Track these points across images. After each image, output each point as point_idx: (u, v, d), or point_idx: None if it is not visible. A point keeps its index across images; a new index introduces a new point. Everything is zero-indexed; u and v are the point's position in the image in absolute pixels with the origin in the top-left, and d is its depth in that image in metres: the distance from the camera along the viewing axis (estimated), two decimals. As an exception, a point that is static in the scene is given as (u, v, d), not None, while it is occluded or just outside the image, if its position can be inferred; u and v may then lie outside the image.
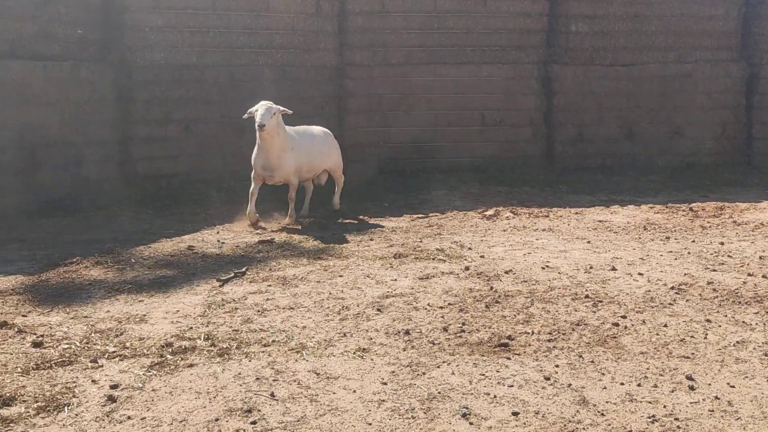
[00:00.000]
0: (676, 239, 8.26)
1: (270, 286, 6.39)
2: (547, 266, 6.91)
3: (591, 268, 6.86)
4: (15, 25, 10.21)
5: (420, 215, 10.15)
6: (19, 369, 4.62)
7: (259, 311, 5.72)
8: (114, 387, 4.38)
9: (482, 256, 7.34)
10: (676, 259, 7.25)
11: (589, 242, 8.09)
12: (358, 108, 13.56)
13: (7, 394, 4.25)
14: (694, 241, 8.14)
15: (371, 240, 8.32)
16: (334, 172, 10.50)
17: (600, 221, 9.57)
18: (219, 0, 12.33)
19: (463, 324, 5.34)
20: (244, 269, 6.87)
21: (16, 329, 5.27)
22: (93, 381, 4.48)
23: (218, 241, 8.29)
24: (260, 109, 8.93)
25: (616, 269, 6.80)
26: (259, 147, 9.24)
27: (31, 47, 10.44)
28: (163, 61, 12.09)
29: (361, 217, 9.97)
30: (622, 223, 9.42)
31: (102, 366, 4.69)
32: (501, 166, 13.61)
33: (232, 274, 6.70)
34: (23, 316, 5.62)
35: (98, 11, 11.71)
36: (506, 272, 6.69)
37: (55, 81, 10.75)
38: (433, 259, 7.26)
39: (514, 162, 13.88)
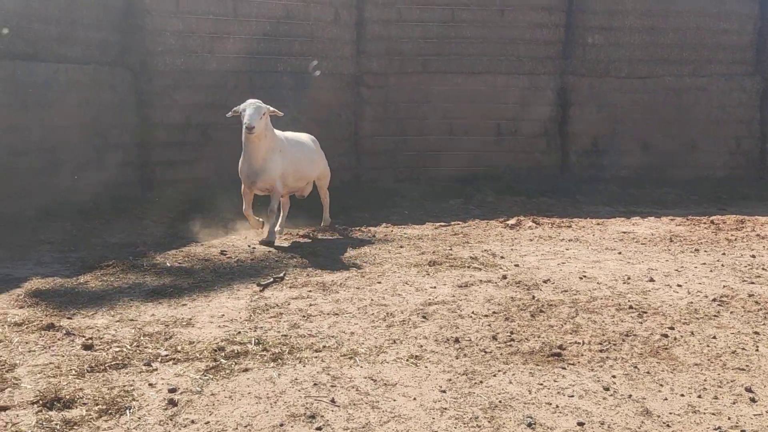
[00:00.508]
0: (705, 251, 8.27)
1: (311, 291, 6.37)
2: (585, 276, 6.91)
3: (629, 278, 6.86)
4: (39, 26, 10.19)
5: (442, 223, 10.15)
6: (73, 371, 4.59)
7: (304, 317, 5.70)
8: (173, 391, 4.36)
9: (517, 265, 7.34)
10: (711, 271, 7.25)
11: (619, 253, 8.09)
12: (374, 116, 13.59)
13: (67, 397, 4.22)
14: (724, 254, 8.14)
15: (401, 247, 8.31)
16: (320, 181, 9.72)
17: (624, 232, 9.57)
18: (240, 6, 12.32)
19: (512, 333, 5.33)
20: (282, 274, 6.86)
21: (64, 331, 5.25)
22: (150, 384, 4.45)
23: (249, 246, 8.28)
24: (248, 108, 8.21)
25: (654, 280, 6.81)
26: (244, 150, 8.59)
27: (53, 50, 10.42)
28: (183, 66, 12.08)
29: (384, 224, 9.95)
30: (646, 234, 9.42)
31: (156, 369, 4.67)
32: (515, 176, 13.64)
33: (271, 279, 6.68)
34: (68, 318, 5.59)
35: (119, 14, 11.70)
36: (544, 281, 6.68)
37: (77, 84, 10.74)
38: (468, 267, 7.26)
39: (529, 172, 13.92)
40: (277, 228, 8.97)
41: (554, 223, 10.23)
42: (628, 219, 10.69)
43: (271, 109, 8.46)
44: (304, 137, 9.63)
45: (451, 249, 8.19)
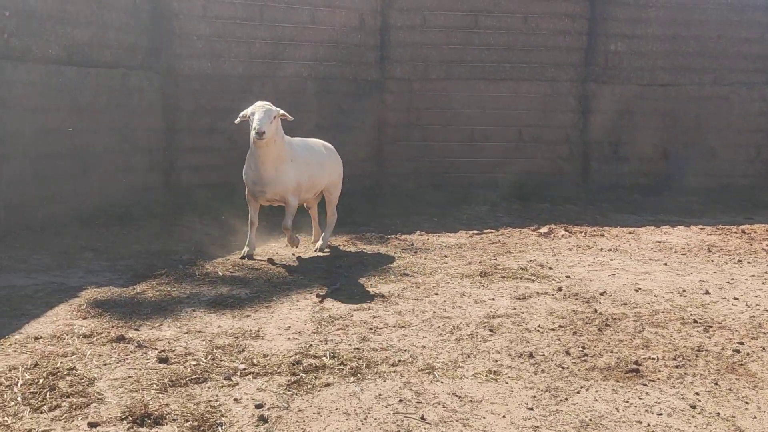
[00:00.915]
0: (749, 263, 8.28)
1: (370, 302, 6.36)
2: (640, 289, 6.91)
3: (684, 291, 6.86)
4: (72, 30, 10.12)
5: (475, 231, 10.14)
6: (155, 386, 4.56)
7: (371, 329, 5.68)
8: (259, 406, 4.33)
9: (568, 277, 7.34)
10: (763, 283, 7.26)
11: (665, 264, 8.10)
12: (397, 122, 13.58)
13: (155, 413, 4.19)
14: (769, 266, 8.17)
15: (446, 257, 8.30)
16: (329, 193, 8.85)
17: (659, 242, 9.57)
18: (267, 11, 12.29)
19: (583, 348, 5.32)
20: (337, 285, 6.83)
21: (136, 343, 5.22)
22: (235, 400, 4.42)
23: (293, 254, 8.25)
24: (257, 111, 7.47)
25: (709, 293, 6.81)
26: (251, 156, 7.85)
27: (85, 53, 10.36)
28: (210, 70, 12.05)
29: (418, 232, 9.94)
30: (681, 244, 9.43)
31: (237, 384, 4.64)
32: (537, 183, 13.64)
33: (329, 290, 6.66)
34: (135, 329, 5.56)
35: (147, 18, 11.64)
36: (601, 294, 6.68)
37: (106, 88, 10.69)
38: (520, 278, 7.25)
39: (550, 179, 13.93)
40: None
41: (586, 231, 10.22)
42: (658, 228, 10.69)
43: (281, 112, 7.71)
44: (314, 142, 8.87)
45: (496, 259, 8.18)
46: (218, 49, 12.08)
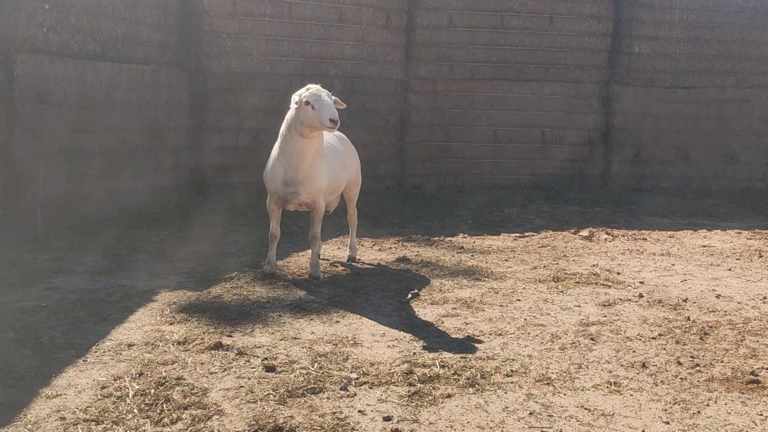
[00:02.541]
0: (809, 268, 8.22)
1: (455, 309, 6.20)
2: (720, 296, 6.80)
3: (765, 298, 6.77)
4: (107, 25, 9.89)
5: (517, 234, 10.02)
6: (271, 396, 4.38)
7: (467, 336, 5.54)
8: (387, 419, 4.17)
9: (642, 283, 7.22)
10: (838, 290, 7.21)
11: (729, 270, 8.00)
12: (420, 122, 13.45)
13: (285, 426, 4.01)
14: (828, 270, 8.11)
15: (506, 261, 8.17)
16: (348, 191, 7.91)
17: (704, 246, 9.49)
18: (295, 8, 12.10)
19: (692, 357, 5.20)
20: (416, 290, 6.67)
21: (236, 351, 5.03)
22: (360, 411, 4.26)
23: (349, 256, 8.07)
24: (322, 96, 6.50)
25: (790, 300, 6.73)
26: (282, 153, 6.81)
27: (119, 49, 10.12)
28: (238, 68, 11.85)
29: (461, 234, 9.80)
30: (727, 248, 9.35)
31: (356, 394, 4.47)
32: (560, 185, 13.55)
33: (410, 296, 6.50)
34: (228, 336, 5.37)
35: (176, 14, 11.43)
36: (684, 301, 6.57)
37: (137, 85, 10.46)
38: (595, 284, 7.12)
39: (572, 181, 13.87)
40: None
41: (626, 235, 10.13)
42: (696, 232, 10.62)
43: (334, 97, 6.70)
44: (331, 135, 7.52)
45: (557, 263, 8.06)
46: (246, 47, 11.88)
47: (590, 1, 13.67)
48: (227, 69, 11.76)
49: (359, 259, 8.05)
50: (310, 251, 7.35)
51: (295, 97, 6.68)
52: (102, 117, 9.85)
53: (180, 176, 11.53)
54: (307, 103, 6.54)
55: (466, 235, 9.81)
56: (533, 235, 9.96)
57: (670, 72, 14.05)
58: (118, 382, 4.49)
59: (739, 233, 10.58)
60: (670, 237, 10.13)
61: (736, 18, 14.10)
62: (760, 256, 8.91)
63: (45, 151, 8.91)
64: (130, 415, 4.09)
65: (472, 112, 13.56)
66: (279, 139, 6.90)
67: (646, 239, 9.91)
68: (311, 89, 6.63)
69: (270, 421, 4.05)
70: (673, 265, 8.18)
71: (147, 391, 4.36)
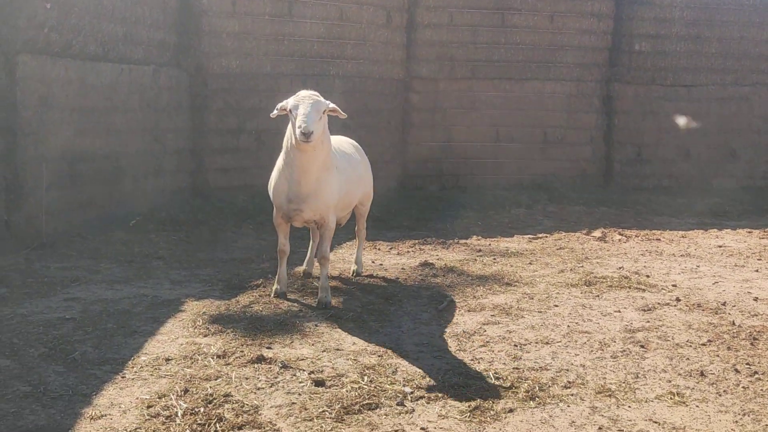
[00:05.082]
0: (834, 268, 8.12)
1: (494, 316, 6.01)
2: (757, 298, 6.66)
3: (802, 300, 6.66)
4: (108, 26, 9.61)
5: (530, 236, 9.85)
6: (326, 413, 4.17)
7: (515, 345, 5.34)
8: (454, 438, 3.98)
9: (674, 286, 7.07)
10: None
11: (757, 271, 7.87)
12: (422, 122, 13.27)
13: (350, 446, 3.80)
14: None
15: (530, 264, 8.00)
16: (362, 206, 7.28)
17: (720, 246, 9.38)
18: (295, 7, 11.88)
19: (749, 365, 5.04)
20: (450, 297, 6.48)
21: (280, 364, 4.80)
22: (422, 429, 4.06)
23: (373, 261, 7.87)
24: (302, 104, 5.66)
25: (828, 301, 6.61)
26: (285, 166, 6.07)
27: (119, 50, 9.86)
28: (239, 69, 11.62)
29: (474, 236, 9.62)
30: (743, 248, 9.24)
31: (414, 410, 4.27)
32: (561, 185, 13.40)
33: (445, 303, 6.30)
34: (268, 348, 5.15)
35: (175, 14, 11.17)
36: (723, 305, 6.42)
37: (138, 86, 10.21)
38: (628, 288, 6.95)
39: (573, 181, 13.72)
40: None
41: (639, 235, 10.02)
42: (706, 231, 10.51)
43: (332, 106, 5.92)
44: (347, 143, 7.09)
45: (582, 266, 7.90)
46: (247, 47, 11.65)
47: (591, -2, 13.53)
48: (227, 69, 11.52)
49: (378, 266, 7.84)
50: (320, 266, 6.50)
51: (280, 104, 5.96)
52: (103, 120, 9.58)
53: (181, 179, 11.27)
54: (291, 110, 5.76)
55: (479, 237, 9.63)
56: (546, 237, 9.80)
57: (670, 70, 13.94)
58: (163, 400, 4.26)
59: (750, 232, 10.48)
60: (683, 237, 10.02)
61: (735, 16, 14.01)
62: (780, 256, 8.80)
63: (47, 154, 8.64)
64: (183, 437, 3.86)
65: (473, 112, 13.38)
66: (282, 151, 6.14)
67: (660, 240, 9.78)
68: (299, 94, 5.83)
69: (333, 441, 3.84)
70: (698, 266, 8.04)
71: (196, 410, 4.13)
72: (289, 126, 5.90)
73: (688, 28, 13.89)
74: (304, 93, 5.84)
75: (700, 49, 14.01)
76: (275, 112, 5.99)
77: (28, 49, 8.36)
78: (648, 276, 7.45)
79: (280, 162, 6.18)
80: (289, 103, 5.80)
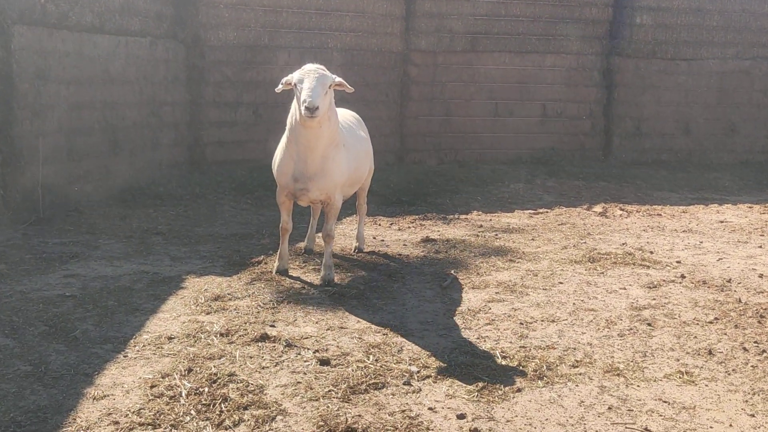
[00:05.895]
0: (839, 245, 8.07)
1: (498, 293, 5.95)
2: (762, 275, 6.61)
3: (808, 277, 6.61)
4: (105, -4, 9.47)
5: (531, 211, 9.78)
6: (333, 393, 4.11)
7: (521, 323, 5.29)
8: (461, 417, 3.94)
9: (678, 262, 7.00)
10: None
11: (760, 247, 7.82)
12: (420, 96, 13.14)
13: (357, 427, 3.76)
14: None
15: (532, 240, 7.93)
16: (365, 182, 7.14)
17: (721, 222, 9.33)
18: (294, -23, 11.71)
19: (757, 343, 5.00)
20: (453, 273, 6.42)
21: (284, 343, 4.75)
22: (430, 409, 4.01)
23: (374, 237, 7.79)
24: (308, 78, 5.46)
25: (833, 279, 6.56)
26: (290, 143, 5.88)
27: (116, 21, 9.72)
28: (236, 40, 11.49)
29: (475, 212, 9.55)
30: (745, 224, 9.19)
31: (420, 390, 4.21)
32: (560, 159, 13.33)
33: (449, 280, 6.24)
34: (271, 326, 5.09)
35: (172, -16, 11.01)
36: (728, 282, 6.37)
37: (135, 58, 10.08)
38: (632, 264, 6.89)
39: (572, 154, 13.64)
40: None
41: (640, 210, 9.95)
42: (707, 207, 10.45)
43: (339, 80, 5.75)
44: (351, 117, 7.00)
45: (584, 242, 7.84)
46: (244, 18, 11.51)
47: (592, -30, 13.38)
48: (224, 41, 11.39)
49: (379, 242, 7.77)
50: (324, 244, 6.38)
51: (285, 78, 5.74)
52: (100, 92, 9.46)
53: (179, 153, 11.18)
54: (296, 84, 5.56)
55: (480, 212, 9.56)
56: (547, 212, 9.73)
57: (671, 43, 13.80)
58: (167, 379, 4.20)
59: (750, 207, 10.43)
60: (684, 212, 9.96)
61: (737, -12, 13.89)
62: (783, 232, 8.76)
63: (44, 128, 8.54)
64: (188, 418, 3.81)
65: (472, 86, 13.26)
66: (287, 127, 5.94)
67: (661, 215, 9.72)
68: (304, 68, 5.61)
69: (339, 421, 3.79)
70: (701, 242, 7.98)
71: (200, 389, 4.08)
72: (294, 101, 5.74)
73: (689, 1, 13.74)
74: (309, 66, 5.63)
75: (701, 22, 13.86)
76: (280, 86, 5.79)
77: (24, 21, 8.24)
78: (652, 252, 7.40)
79: (284, 139, 6.01)
80: (294, 77, 5.61)
